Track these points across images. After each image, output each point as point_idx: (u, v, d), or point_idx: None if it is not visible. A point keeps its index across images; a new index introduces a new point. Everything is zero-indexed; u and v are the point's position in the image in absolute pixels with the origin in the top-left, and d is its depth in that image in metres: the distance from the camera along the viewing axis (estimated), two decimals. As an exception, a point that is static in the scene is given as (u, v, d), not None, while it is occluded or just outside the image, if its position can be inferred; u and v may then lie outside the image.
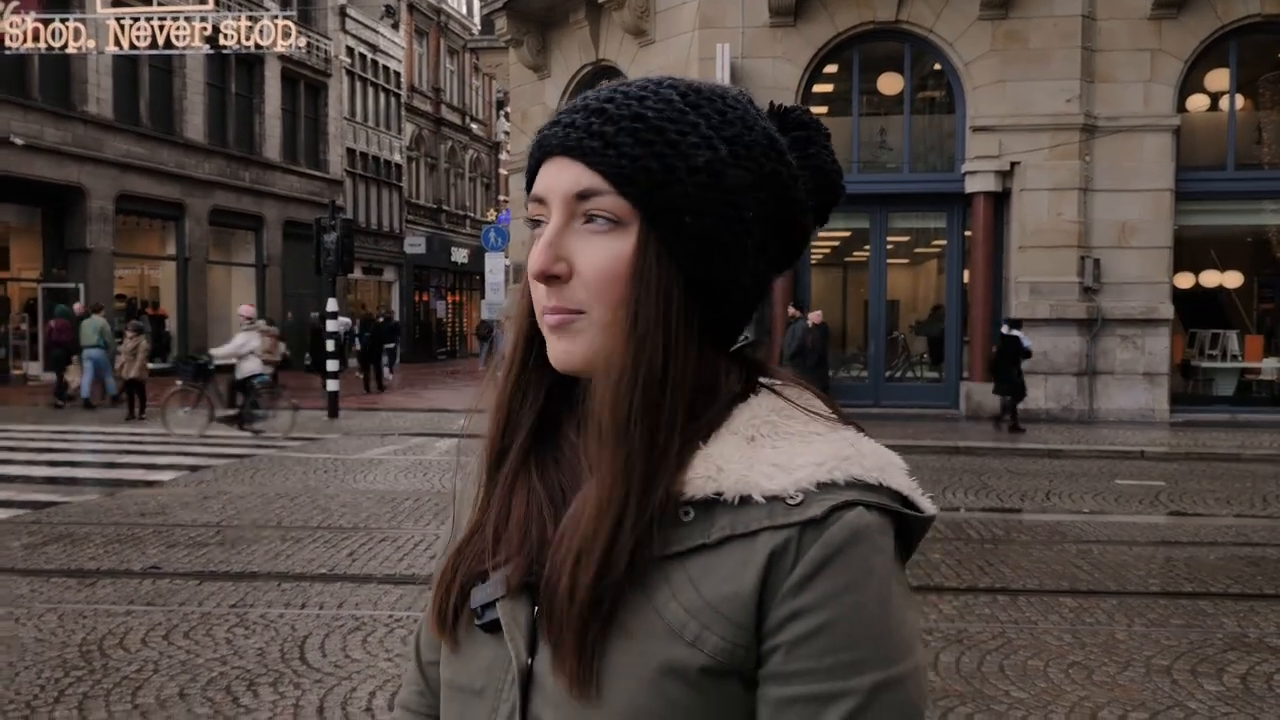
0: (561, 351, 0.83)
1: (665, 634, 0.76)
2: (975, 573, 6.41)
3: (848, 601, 0.75)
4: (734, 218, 0.82)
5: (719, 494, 0.78)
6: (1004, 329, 13.76)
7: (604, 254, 0.81)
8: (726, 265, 0.82)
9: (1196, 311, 16.57)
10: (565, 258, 0.82)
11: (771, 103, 0.93)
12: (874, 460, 0.79)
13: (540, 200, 0.84)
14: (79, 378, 16.97)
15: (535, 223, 0.85)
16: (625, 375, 0.79)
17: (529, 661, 0.81)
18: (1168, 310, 15.00)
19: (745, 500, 0.78)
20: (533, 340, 0.88)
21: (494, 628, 0.83)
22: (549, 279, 0.82)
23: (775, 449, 0.80)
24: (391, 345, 24.64)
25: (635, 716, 0.76)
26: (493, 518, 0.87)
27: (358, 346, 23.59)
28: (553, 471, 0.87)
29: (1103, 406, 15.04)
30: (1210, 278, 16.83)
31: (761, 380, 0.87)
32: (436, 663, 0.95)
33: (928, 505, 0.80)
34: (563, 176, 0.82)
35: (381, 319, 24.49)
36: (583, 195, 0.81)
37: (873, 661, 0.74)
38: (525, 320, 0.88)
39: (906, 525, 0.79)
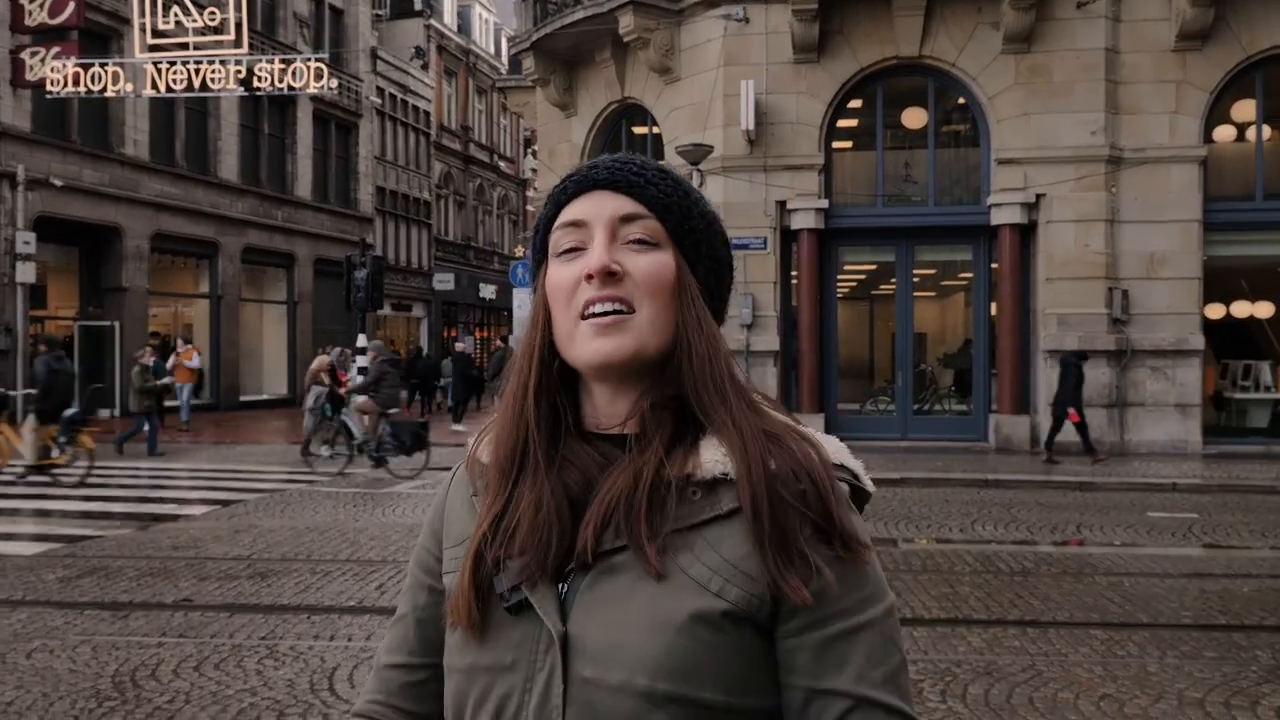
0: (611, 346, 0.95)
1: (693, 588, 0.91)
2: (1005, 605, 6.36)
3: None
4: (724, 256, 1.05)
5: (725, 474, 0.94)
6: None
7: (652, 262, 0.98)
8: (721, 288, 1.05)
9: (1228, 342, 16.40)
10: (618, 262, 0.97)
11: None
12: (832, 445, 1.01)
13: (578, 225, 0.99)
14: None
15: (572, 250, 0.99)
16: (706, 353, 0.97)
17: (564, 628, 0.92)
18: (1198, 341, 14.87)
19: None
20: (547, 361, 1.00)
21: (520, 608, 0.95)
22: (609, 275, 0.95)
23: None
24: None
25: (671, 655, 0.89)
26: (509, 514, 0.97)
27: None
28: (563, 474, 0.98)
29: (1134, 438, 14.90)
30: (1241, 308, 16.67)
31: None
32: (398, 665, 1.08)
33: (869, 483, 1.02)
34: (608, 204, 0.99)
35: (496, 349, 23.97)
36: (626, 219, 0.99)
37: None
38: (543, 343, 1.00)
39: (858, 495, 1.00)
